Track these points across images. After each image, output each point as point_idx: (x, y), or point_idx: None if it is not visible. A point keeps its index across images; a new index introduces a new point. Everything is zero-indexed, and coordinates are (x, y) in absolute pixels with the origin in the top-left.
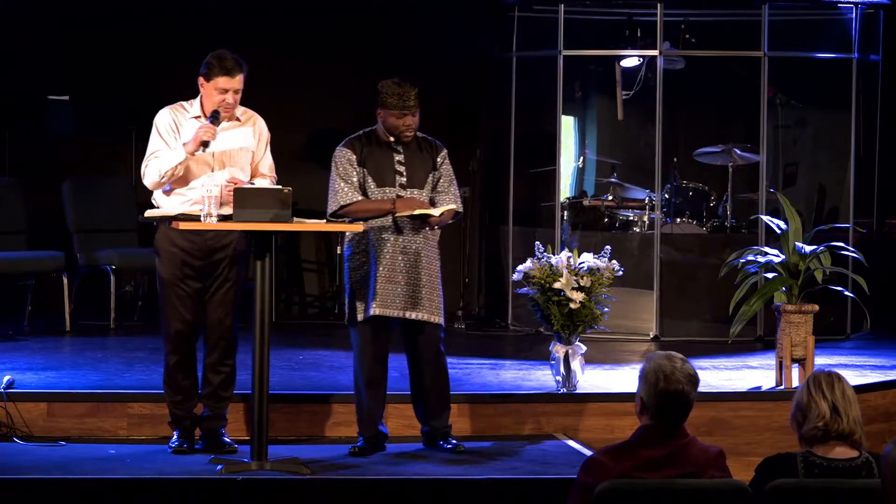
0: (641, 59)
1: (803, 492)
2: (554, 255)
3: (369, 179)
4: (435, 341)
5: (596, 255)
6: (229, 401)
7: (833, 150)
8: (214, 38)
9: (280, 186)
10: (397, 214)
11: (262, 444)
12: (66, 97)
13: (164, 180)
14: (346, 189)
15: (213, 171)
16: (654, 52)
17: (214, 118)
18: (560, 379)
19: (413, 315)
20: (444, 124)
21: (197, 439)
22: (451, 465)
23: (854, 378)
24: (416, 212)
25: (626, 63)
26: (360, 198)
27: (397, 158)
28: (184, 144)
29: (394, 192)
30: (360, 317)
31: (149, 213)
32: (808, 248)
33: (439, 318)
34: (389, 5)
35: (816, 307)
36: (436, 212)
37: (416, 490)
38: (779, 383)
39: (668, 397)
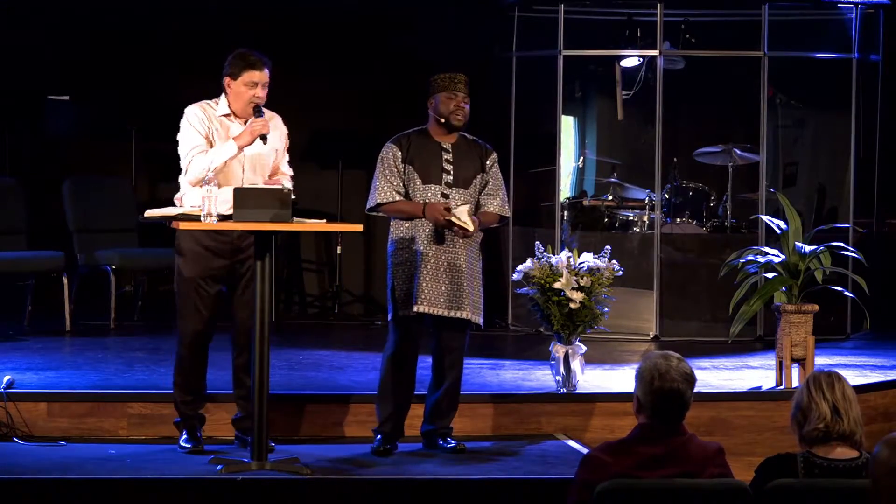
0: (641, 59)
1: (803, 492)
2: (554, 255)
3: (415, 176)
4: (465, 341)
5: (596, 255)
6: None
7: (833, 150)
8: (214, 39)
9: (280, 186)
10: (433, 221)
11: (262, 444)
12: (66, 97)
13: (210, 176)
14: (385, 188)
15: (243, 171)
16: (654, 52)
17: (259, 112)
18: (560, 379)
19: (458, 314)
20: None
21: (203, 438)
22: (451, 465)
23: (854, 378)
24: (454, 220)
25: (626, 63)
26: (397, 198)
27: (445, 157)
28: (234, 139)
29: (439, 189)
30: (401, 313)
31: (149, 212)
32: (808, 248)
33: (480, 318)
34: (389, 5)
35: (816, 307)
36: (471, 227)
37: (416, 490)
38: (779, 383)
39: (663, 395)
